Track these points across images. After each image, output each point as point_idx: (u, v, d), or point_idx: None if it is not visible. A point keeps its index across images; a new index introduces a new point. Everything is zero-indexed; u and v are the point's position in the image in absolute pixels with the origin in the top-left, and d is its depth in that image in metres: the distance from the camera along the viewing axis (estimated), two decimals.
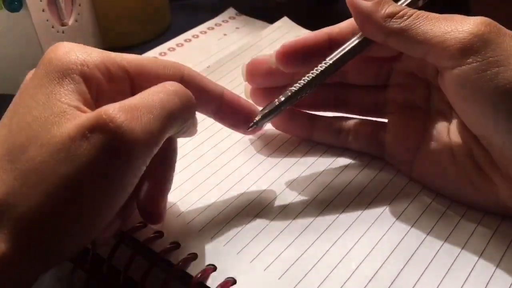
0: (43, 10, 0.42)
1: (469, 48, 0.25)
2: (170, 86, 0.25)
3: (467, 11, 0.44)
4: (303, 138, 0.34)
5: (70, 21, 0.46)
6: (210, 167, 0.33)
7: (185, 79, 0.27)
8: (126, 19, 0.51)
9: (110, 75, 0.25)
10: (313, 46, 0.30)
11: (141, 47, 0.49)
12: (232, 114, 0.30)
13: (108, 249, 0.28)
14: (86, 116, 0.22)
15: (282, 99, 0.30)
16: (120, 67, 0.25)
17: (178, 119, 0.25)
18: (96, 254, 0.28)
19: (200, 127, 0.36)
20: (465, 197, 0.29)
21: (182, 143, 0.34)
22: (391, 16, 0.27)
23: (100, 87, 0.24)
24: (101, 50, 0.25)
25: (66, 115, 0.22)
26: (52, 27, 0.44)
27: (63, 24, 0.45)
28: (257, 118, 0.30)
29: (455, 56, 0.26)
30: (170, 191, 0.30)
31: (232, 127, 0.31)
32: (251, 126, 0.30)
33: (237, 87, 0.40)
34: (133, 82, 0.26)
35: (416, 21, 0.27)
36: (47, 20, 0.43)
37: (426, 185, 0.31)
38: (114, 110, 0.22)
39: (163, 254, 0.27)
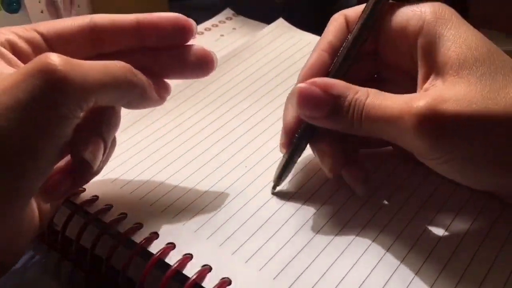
0: (41, 12, 0.43)
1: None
2: (115, 61, 0.26)
3: (465, 11, 0.44)
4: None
5: None
6: (204, 170, 0.33)
7: (95, 21, 0.29)
8: None
9: (27, 39, 0.27)
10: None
11: None
12: (158, 31, 0.29)
13: (107, 249, 0.28)
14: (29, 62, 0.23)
15: (289, 153, 0.31)
16: (33, 30, 0.27)
17: (119, 82, 0.26)
18: (95, 254, 0.29)
19: (195, 129, 0.36)
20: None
21: (181, 142, 0.35)
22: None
23: (22, 52, 0.27)
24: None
25: None
26: None
27: None
28: (274, 183, 0.31)
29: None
30: (165, 193, 0.31)
31: (172, 42, 0.30)
32: (275, 193, 0.31)
33: (233, 87, 0.41)
34: (49, 43, 0.28)
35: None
36: None
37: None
38: (55, 55, 0.23)
39: (161, 256, 0.27)
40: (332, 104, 0.27)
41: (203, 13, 0.53)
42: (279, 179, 0.31)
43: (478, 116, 0.24)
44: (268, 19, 0.49)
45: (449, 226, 0.29)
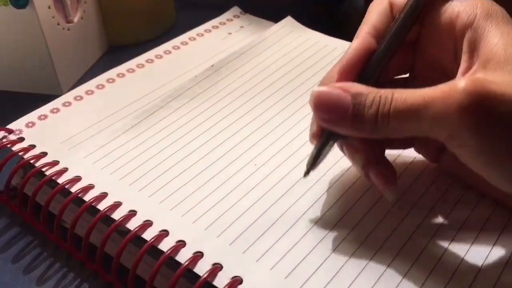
0: (49, 7, 0.42)
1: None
2: None
3: None
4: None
5: (76, 19, 0.46)
6: (213, 168, 0.33)
7: None
8: (131, 16, 0.51)
9: None
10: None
11: (146, 45, 0.49)
12: None
13: (116, 246, 0.28)
14: None
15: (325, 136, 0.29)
16: None
17: None
18: (104, 252, 0.29)
19: (203, 127, 0.36)
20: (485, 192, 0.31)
21: (189, 140, 0.35)
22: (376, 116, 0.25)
23: None
24: None
25: None
26: (58, 24, 0.44)
27: (68, 21, 0.45)
28: (307, 167, 0.29)
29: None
30: (174, 191, 0.31)
31: None
32: (305, 175, 0.29)
33: (241, 86, 0.41)
34: None
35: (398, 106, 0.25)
36: (53, 17, 0.43)
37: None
38: None
39: (172, 254, 0.27)
40: (353, 101, 0.25)
41: (209, 11, 0.53)
42: (314, 161, 0.29)
43: None
44: (276, 18, 0.49)
45: (460, 228, 0.29)
